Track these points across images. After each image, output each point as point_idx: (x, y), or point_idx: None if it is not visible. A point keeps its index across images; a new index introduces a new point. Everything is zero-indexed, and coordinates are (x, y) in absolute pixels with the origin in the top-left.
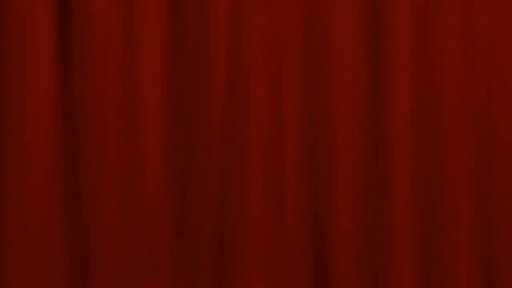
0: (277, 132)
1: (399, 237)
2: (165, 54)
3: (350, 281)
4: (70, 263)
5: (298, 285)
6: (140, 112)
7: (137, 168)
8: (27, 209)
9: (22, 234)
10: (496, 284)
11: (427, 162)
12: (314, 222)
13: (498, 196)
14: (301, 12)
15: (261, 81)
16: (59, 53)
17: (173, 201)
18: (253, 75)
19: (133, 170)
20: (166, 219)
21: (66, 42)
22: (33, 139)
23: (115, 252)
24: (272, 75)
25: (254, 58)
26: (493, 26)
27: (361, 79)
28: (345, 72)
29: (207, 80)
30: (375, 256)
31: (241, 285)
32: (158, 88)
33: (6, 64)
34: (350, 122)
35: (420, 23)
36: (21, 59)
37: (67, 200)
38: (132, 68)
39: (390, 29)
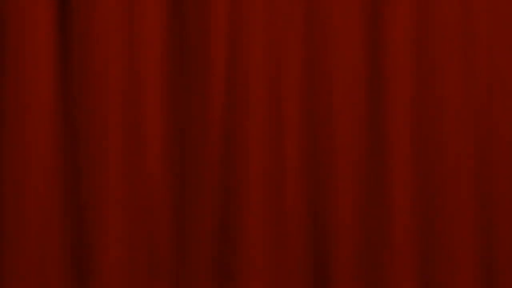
0: (277, 132)
1: (399, 237)
2: (166, 54)
3: (350, 281)
4: (70, 263)
5: (298, 285)
6: (140, 112)
7: (138, 168)
8: (27, 209)
9: (22, 234)
10: (496, 284)
11: (427, 162)
12: (314, 222)
13: (498, 196)
14: (301, 12)
15: (261, 81)
16: (59, 53)
17: (174, 201)
18: (253, 74)
19: (134, 170)
20: (167, 219)
21: (66, 42)
22: (33, 138)
23: (115, 253)
24: (272, 75)
25: (254, 58)
26: (493, 26)
27: (361, 79)
28: (345, 72)
29: (207, 80)
30: (375, 256)
31: (241, 285)
32: (158, 87)
33: (6, 64)
34: (350, 122)
35: (420, 23)
36: (21, 59)
37: (67, 200)
38: (133, 67)
39: (390, 29)
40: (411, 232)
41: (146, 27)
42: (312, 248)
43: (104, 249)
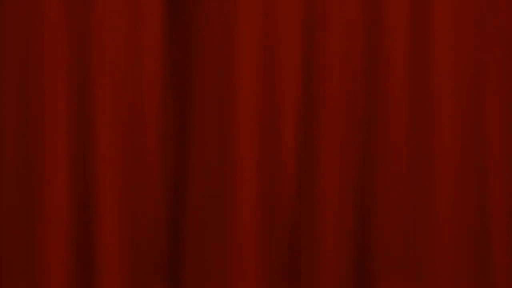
0: (273, 130)
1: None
2: (163, 53)
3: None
4: (72, 263)
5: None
6: (140, 114)
7: (137, 167)
8: (30, 209)
9: (25, 233)
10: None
11: (423, 159)
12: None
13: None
14: (299, 6)
15: (257, 75)
16: (68, 51)
17: (173, 201)
18: (247, 71)
19: (133, 169)
20: (166, 218)
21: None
22: (38, 137)
23: (118, 253)
24: (266, 74)
25: (248, 55)
26: (485, 23)
27: (357, 76)
28: (342, 70)
29: (204, 75)
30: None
31: (238, 285)
32: (157, 88)
33: (12, 62)
34: (344, 119)
35: (415, 21)
36: (30, 56)
37: (71, 200)
38: (132, 65)
39: (387, 24)
40: (407, 230)
41: (144, 27)
42: (299, 247)
43: (103, 249)
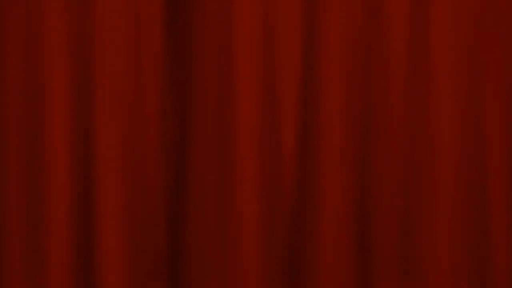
0: (273, 130)
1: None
2: (163, 54)
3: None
4: (73, 263)
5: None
6: (140, 114)
7: (137, 169)
8: (30, 209)
9: (25, 233)
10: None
11: (423, 159)
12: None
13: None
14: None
15: (255, 78)
16: (71, 51)
17: (171, 202)
18: (246, 71)
19: (133, 171)
20: (166, 218)
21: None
22: (38, 137)
23: (118, 254)
24: (266, 74)
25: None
26: (482, 23)
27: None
28: (342, 69)
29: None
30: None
31: (238, 285)
32: (157, 88)
33: (15, 63)
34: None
35: (414, 20)
36: (34, 58)
37: (71, 200)
38: (132, 66)
39: (387, 23)
40: (402, 231)
41: (145, 27)
42: (293, 247)
43: (104, 250)
